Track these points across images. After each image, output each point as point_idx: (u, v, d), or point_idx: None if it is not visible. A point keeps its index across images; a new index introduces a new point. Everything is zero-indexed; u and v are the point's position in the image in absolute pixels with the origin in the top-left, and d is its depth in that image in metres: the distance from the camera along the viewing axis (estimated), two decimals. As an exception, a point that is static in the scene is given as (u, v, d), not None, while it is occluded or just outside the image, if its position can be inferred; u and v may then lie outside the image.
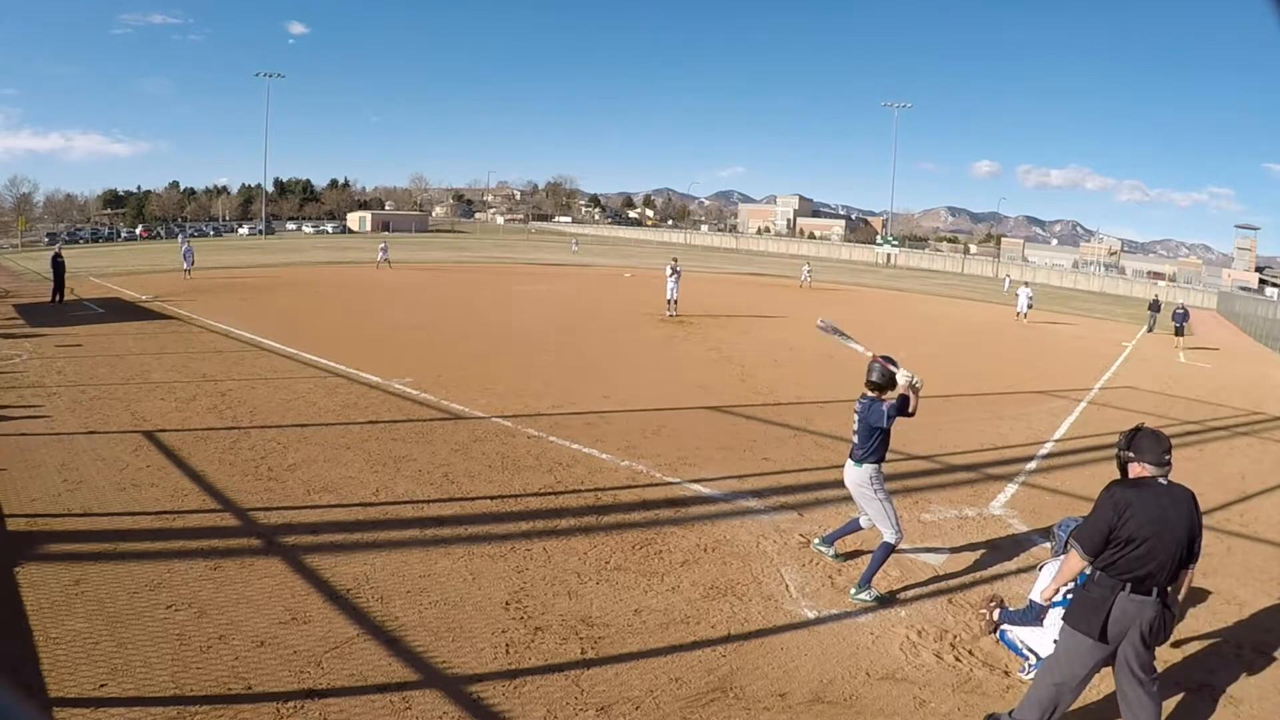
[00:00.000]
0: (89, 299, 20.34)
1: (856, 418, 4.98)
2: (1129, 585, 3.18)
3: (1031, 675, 4.01)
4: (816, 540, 5.64)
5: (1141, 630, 3.20)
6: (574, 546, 5.49)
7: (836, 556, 5.49)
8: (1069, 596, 3.97)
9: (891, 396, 4.92)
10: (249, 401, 9.27)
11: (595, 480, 6.91)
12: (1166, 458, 3.26)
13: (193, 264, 26.81)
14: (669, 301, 20.21)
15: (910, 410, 4.83)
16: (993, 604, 4.60)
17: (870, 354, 4.99)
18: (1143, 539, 3.14)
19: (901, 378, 4.83)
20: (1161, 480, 3.25)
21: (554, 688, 3.78)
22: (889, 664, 4.20)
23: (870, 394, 4.94)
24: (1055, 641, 3.71)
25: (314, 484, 6.48)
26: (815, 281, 36.29)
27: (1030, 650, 4.22)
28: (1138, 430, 3.37)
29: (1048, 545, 5.87)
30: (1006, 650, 4.37)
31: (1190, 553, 3.23)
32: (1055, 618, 4.00)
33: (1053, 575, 4.12)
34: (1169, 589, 3.24)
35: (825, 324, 5.35)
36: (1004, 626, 4.41)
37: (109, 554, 5.00)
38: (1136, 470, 3.31)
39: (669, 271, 20.32)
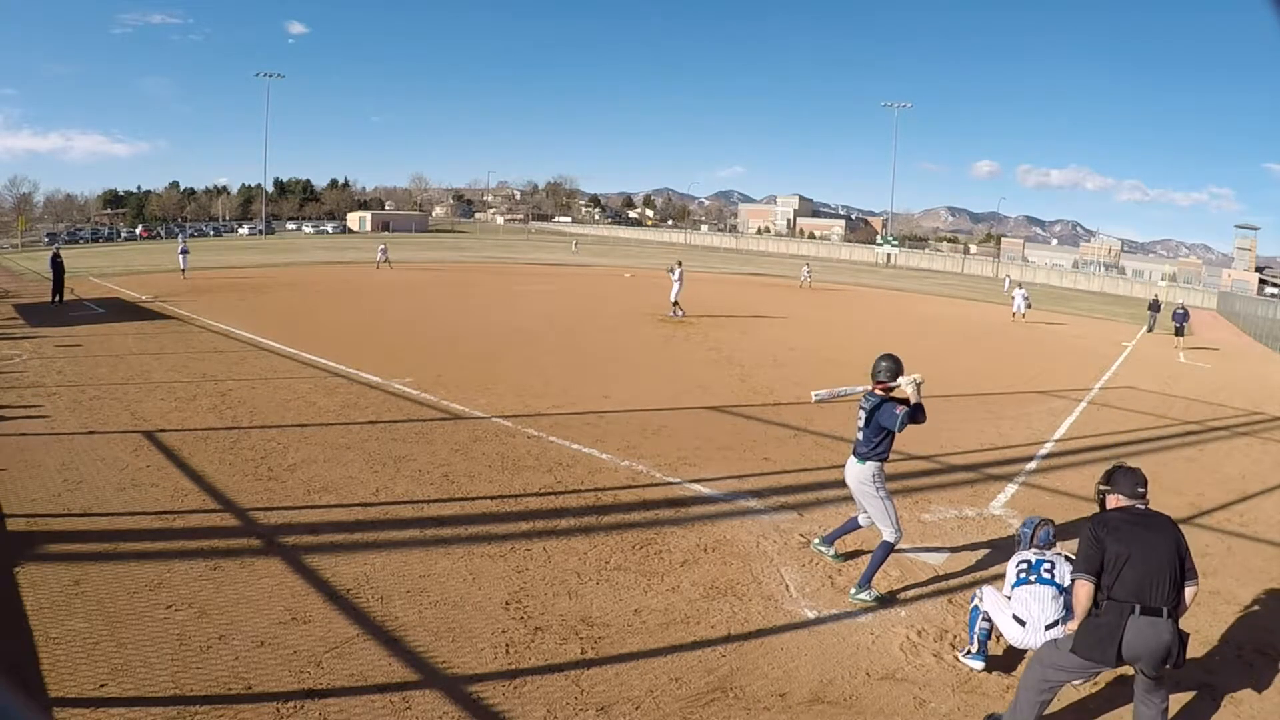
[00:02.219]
0: (89, 299, 20.35)
1: (862, 414, 4.98)
2: (1138, 607, 3.23)
3: (965, 660, 4.18)
4: (816, 540, 5.65)
5: (1156, 656, 3.25)
6: (574, 546, 5.49)
7: (836, 556, 5.50)
8: (1022, 575, 4.10)
9: (901, 394, 4.94)
10: (249, 401, 9.27)
11: (595, 480, 6.91)
12: (1140, 490, 3.49)
13: (187, 266, 26.61)
14: (674, 304, 19.96)
15: (920, 418, 4.86)
16: None
17: (869, 387, 5.04)
18: (1129, 554, 3.25)
19: (907, 387, 4.85)
20: (1139, 505, 3.46)
21: (554, 688, 3.78)
22: (889, 664, 4.21)
23: (878, 392, 4.96)
24: (1041, 643, 3.72)
25: (314, 484, 6.48)
26: (815, 282, 36.35)
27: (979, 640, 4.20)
28: (1115, 468, 3.64)
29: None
30: (1000, 645, 4.32)
31: (1184, 570, 3.31)
32: (1020, 595, 4.04)
33: (1014, 565, 4.18)
34: (1177, 612, 3.30)
35: (820, 395, 5.40)
36: (982, 606, 4.24)
37: (109, 554, 5.01)
38: (1113, 502, 3.54)
39: (671, 272, 20.13)
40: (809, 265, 39.05)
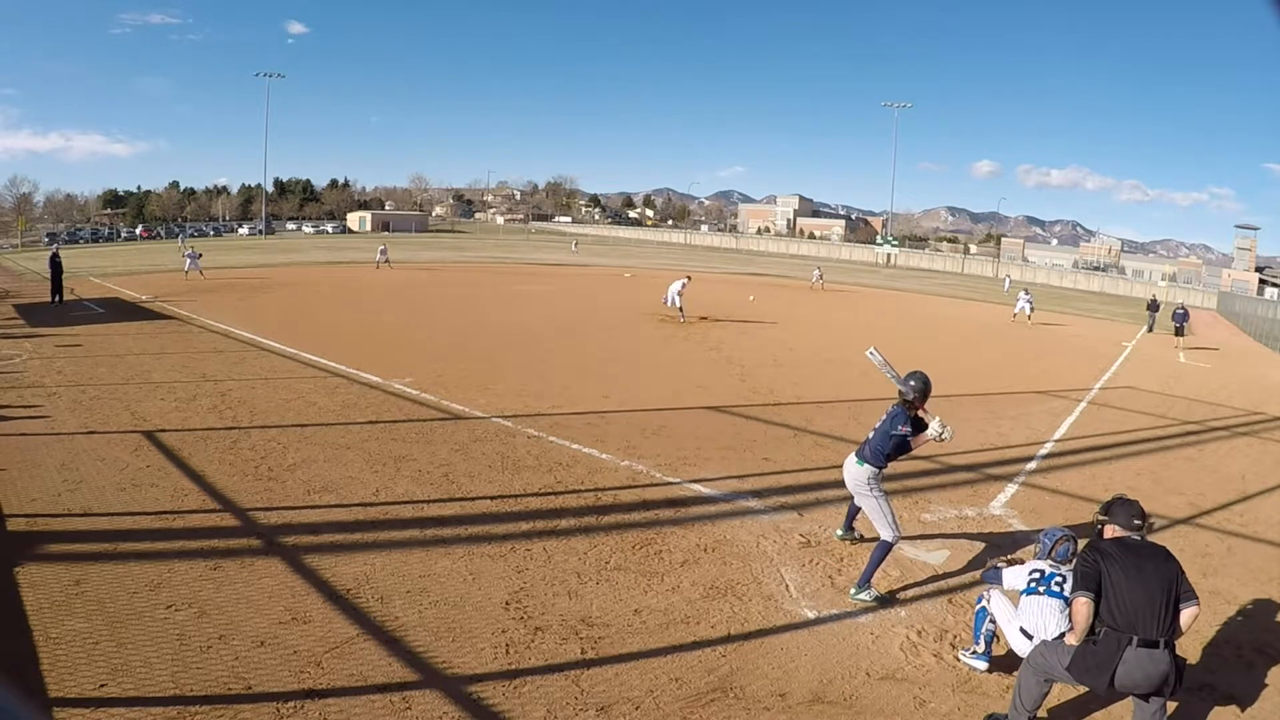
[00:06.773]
0: (89, 299, 20.34)
1: (884, 417, 5.06)
2: (1135, 639, 3.24)
3: (968, 659, 4.20)
4: (839, 530, 5.88)
5: (1153, 685, 3.27)
6: (574, 546, 5.49)
7: (858, 539, 5.71)
8: (1033, 584, 4.07)
9: (923, 411, 5.07)
10: (249, 401, 9.27)
11: (595, 480, 6.91)
12: (1137, 521, 3.52)
13: (198, 267, 26.25)
14: (679, 309, 19.65)
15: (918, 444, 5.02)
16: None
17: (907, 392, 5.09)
18: (1126, 582, 3.28)
19: (932, 429, 4.95)
20: (1134, 536, 3.50)
21: (554, 688, 3.79)
22: (889, 664, 4.21)
23: (904, 408, 5.04)
24: (1037, 650, 3.71)
25: (314, 484, 6.48)
26: (826, 283, 36.42)
27: (984, 639, 4.21)
28: (1114, 499, 3.69)
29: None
30: (1002, 646, 4.31)
31: (1180, 596, 3.33)
32: (1029, 606, 4.02)
33: (1027, 572, 4.15)
34: (1176, 642, 3.31)
35: (876, 354, 5.49)
36: (989, 607, 4.28)
37: (109, 554, 5.00)
38: (1110, 532, 3.58)
39: (680, 285, 19.78)
40: (820, 269, 39.46)
